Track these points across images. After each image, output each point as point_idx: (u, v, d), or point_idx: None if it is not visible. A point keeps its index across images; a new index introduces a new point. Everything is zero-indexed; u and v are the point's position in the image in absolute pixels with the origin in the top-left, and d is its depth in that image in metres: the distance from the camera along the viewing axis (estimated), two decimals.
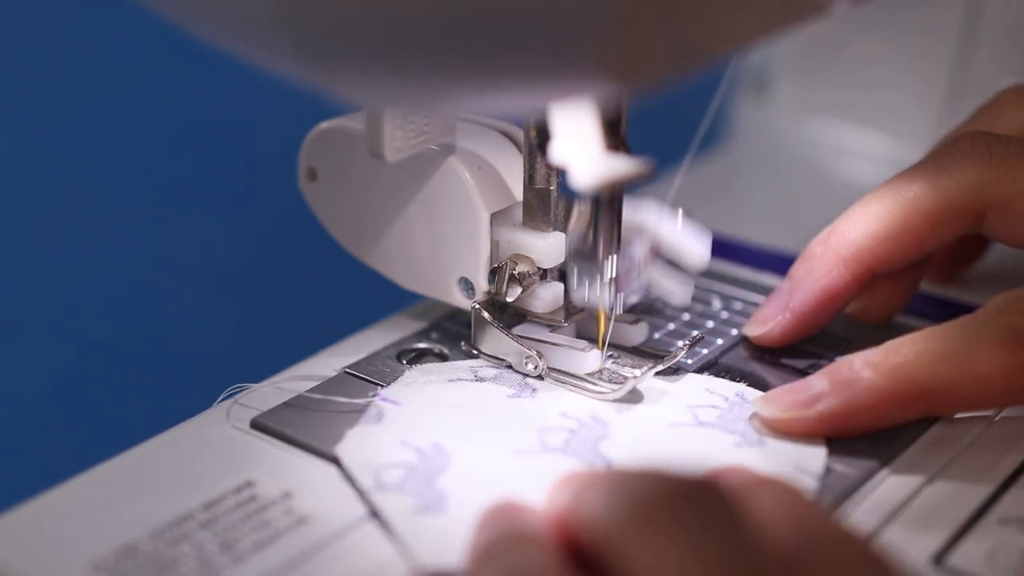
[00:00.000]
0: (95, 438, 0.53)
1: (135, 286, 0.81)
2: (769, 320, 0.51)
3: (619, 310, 0.47)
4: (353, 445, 0.44)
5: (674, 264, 0.48)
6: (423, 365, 0.50)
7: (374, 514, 0.41)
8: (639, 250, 0.47)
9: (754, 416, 0.46)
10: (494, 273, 0.49)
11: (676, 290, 0.48)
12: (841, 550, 0.35)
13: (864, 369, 0.44)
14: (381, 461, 0.43)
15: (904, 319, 0.54)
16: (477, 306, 0.49)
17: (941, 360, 0.44)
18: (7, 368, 0.78)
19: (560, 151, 0.42)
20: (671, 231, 0.47)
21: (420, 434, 0.45)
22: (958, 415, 0.47)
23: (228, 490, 0.43)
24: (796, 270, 0.51)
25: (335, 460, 0.44)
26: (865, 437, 0.45)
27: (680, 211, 0.48)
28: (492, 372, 0.49)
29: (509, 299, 0.48)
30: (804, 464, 0.44)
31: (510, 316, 0.50)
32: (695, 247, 0.47)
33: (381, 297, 0.54)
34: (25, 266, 0.81)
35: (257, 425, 0.46)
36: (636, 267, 0.47)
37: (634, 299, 0.55)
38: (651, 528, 0.34)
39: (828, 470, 0.44)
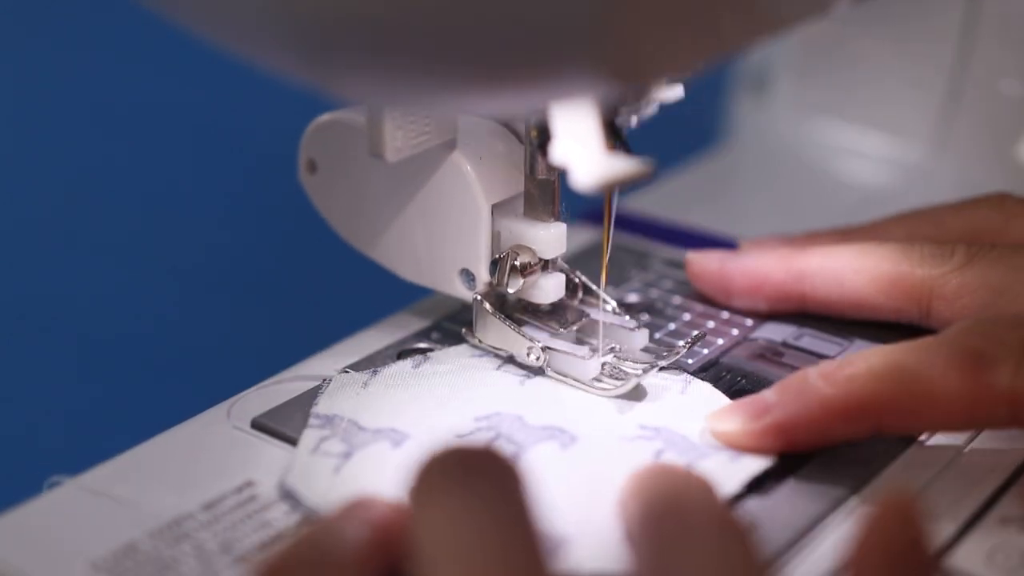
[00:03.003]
0: (95, 438, 0.53)
1: (134, 286, 0.81)
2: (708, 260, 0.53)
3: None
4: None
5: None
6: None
7: None
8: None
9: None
10: (495, 264, 0.49)
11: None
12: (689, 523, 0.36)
13: (817, 380, 0.43)
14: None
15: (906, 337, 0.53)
16: (479, 297, 0.49)
17: (892, 375, 0.42)
18: (6, 368, 0.78)
19: (560, 151, 0.42)
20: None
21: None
22: (930, 436, 0.46)
23: (228, 490, 0.43)
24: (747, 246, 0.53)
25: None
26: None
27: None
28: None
29: (511, 290, 0.48)
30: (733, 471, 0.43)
31: (510, 310, 0.50)
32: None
33: (381, 297, 0.54)
34: (24, 266, 0.81)
35: (257, 425, 0.46)
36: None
37: (634, 299, 0.55)
38: (425, 497, 0.36)
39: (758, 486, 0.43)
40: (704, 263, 0.54)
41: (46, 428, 0.76)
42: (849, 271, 0.51)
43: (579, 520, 0.40)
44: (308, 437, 0.44)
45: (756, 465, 0.43)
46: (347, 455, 0.44)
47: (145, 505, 0.42)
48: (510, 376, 0.49)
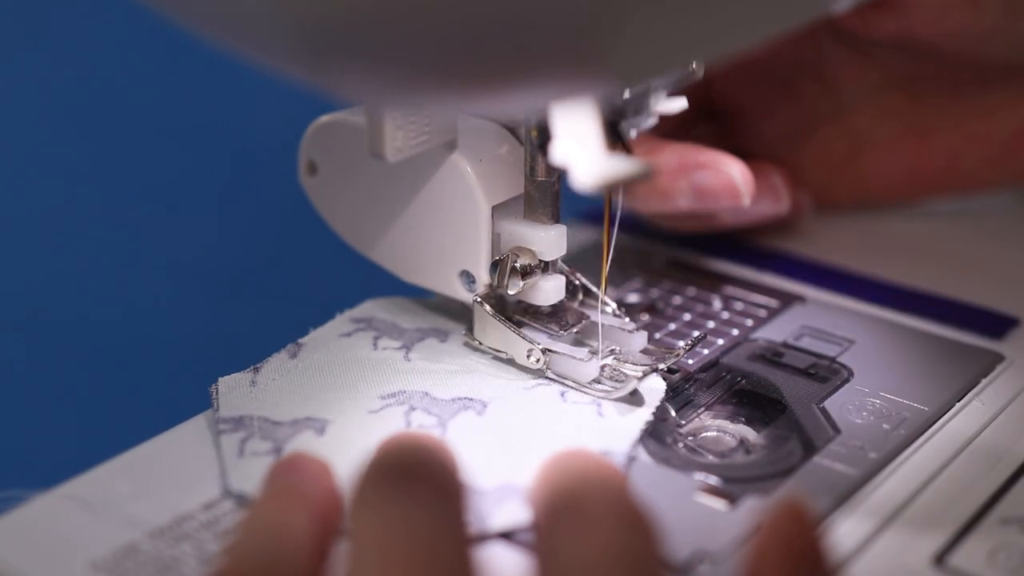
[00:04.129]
0: (95, 438, 0.52)
1: (134, 286, 0.81)
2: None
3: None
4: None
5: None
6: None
7: None
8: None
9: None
10: (495, 266, 0.49)
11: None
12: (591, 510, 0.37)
13: None
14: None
15: (902, 318, 0.54)
16: (478, 299, 0.49)
17: None
18: (6, 368, 0.78)
19: (561, 151, 0.42)
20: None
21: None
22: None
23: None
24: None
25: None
26: (865, 438, 0.45)
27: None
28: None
29: (511, 292, 0.48)
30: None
31: (510, 316, 0.50)
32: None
33: (381, 296, 0.54)
34: (23, 266, 0.81)
35: None
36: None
37: (634, 299, 0.55)
38: (364, 498, 0.37)
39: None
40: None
41: (46, 428, 0.76)
42: None
43: (501, 479, 0.42)
44: (228, 442, 0.44)
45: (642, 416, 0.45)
46: (277, 450, 0.44)
47: (145, 505, 0.41)
48: (391, 353, 0.49)
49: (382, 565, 0.35)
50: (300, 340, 0.50)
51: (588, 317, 0.50)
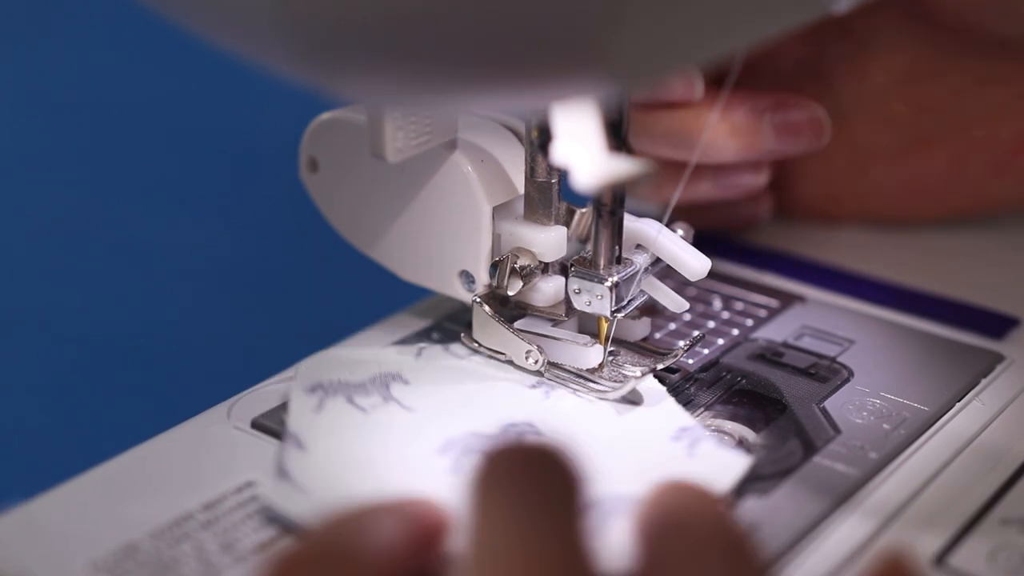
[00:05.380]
0: (95, 438, 0.52)
1: (133, 286, 0.81)
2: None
3: (620, 315, 0.47)
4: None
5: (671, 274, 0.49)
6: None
7: None
8: (640, 259, 0.47)
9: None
10: (495, 266, 0.49)
11: (673, 297, 0.48)
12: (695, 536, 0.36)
13: None
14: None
15: (902, 318, 0.54)
16: (478, 299, 0.49)
17: None
18: (6, 368, 0.78)
19: (561, 152, 0.42)
20: (670, 244, 0.47)
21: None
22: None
23: (228, 490, 0.43)
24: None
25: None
26: (866, 438, 0.45)
27: (680, 227, 0.49)
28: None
29: (510, 292, 0.48)
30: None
31: (511, 309, 0.50)
32: (694, 260, 0.47)
33: (381, 296, 0.54)
34: (23, 266, 0.81)
35: (257, 425, 0.46)
36: (637, 275, 0.47)
37: (636, 304, 0.55)
38: (479, 494, 0.35)
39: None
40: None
41: (46, 428, 0.76)
42: None
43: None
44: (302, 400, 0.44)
45: (742, 463, 0.43)
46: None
47: (145, 505, 0.42)
48: (510, 385, 0.48)
49: (507, 550, 0.33)
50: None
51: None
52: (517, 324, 0.49)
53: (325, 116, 0.50)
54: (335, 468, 0.42)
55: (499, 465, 0.35)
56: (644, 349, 0.50)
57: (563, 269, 0.49)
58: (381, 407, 0.46)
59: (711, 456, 0.44)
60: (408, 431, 0.45)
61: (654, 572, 0.36)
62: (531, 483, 0.35)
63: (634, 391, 0.47)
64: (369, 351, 0.49)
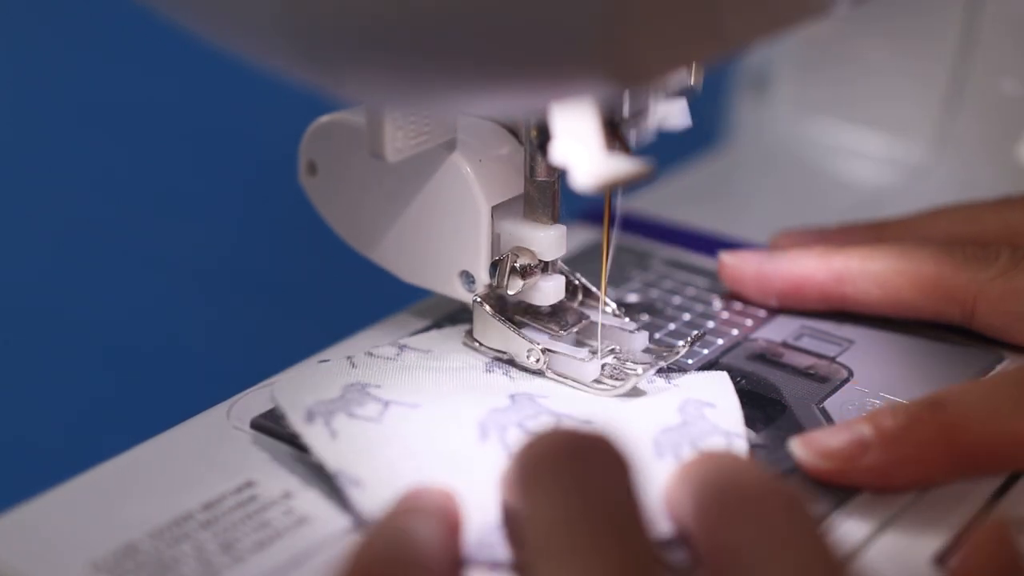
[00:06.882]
0: (95, 438, 0.52)
1: (133, 286, 0.81)
2: (745, 263, 0.53)
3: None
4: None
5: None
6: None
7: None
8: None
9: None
10: (495, 266, 0.49)
11: (675, 112, 0.46)
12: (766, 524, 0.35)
13: (911, 421, 0.42)
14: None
15: (907, 337, 0.54)
16: (478, 299, 0.49)
17: (993, 417, 0.42)
18: (6, 368, 0.78)
19: (560, 151, 0.42)
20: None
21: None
22: None
23: (228, 490, 0.43)
24: (781, 241, 0.54)
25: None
26: None
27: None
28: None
29: (511, 292, 0.48)
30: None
31: (510, 313, 0.50)
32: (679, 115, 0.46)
33: (381, 297, 0.54)
34: (23, 267, 0.81)
35: (257, 425, 0.46)
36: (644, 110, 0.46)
37: (634, 299, 0.55)
38: (531, 481, 0.35)
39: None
40: (740, 266, 0.53)
41: (46, 428, 0.76)
42: (891, 273, 0.51)
43: None
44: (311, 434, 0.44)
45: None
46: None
47: (145, 505, 0.42)
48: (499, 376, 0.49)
49: (563, 554, 0.33)
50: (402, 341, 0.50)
51: (588, 317, 0.50)
52: None
53: (323, 119, 0.50)
54: (402, 487, 0.41)
55: (550, 454, 0.36)
56: (645, 349, 0.50)
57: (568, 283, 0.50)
58: (386, 411, 0.46)
59: (693, 379, 0.47)
60: (435, 424, 0.45)
61: (717, 531, 0.35)
62: (587, 471, 0.35)
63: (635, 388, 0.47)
64: (309, 366, 0.49)
